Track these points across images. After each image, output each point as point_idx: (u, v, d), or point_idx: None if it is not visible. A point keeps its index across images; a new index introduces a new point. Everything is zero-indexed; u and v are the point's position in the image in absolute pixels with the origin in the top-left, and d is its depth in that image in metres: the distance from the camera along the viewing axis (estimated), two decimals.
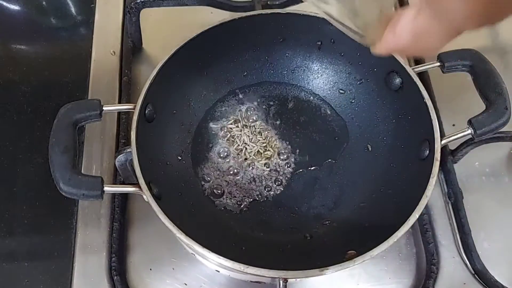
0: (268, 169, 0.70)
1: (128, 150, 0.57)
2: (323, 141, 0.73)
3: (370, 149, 0.70)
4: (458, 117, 0.74)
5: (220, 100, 0.74)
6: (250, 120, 0.74)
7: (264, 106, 0.75)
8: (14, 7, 0.89)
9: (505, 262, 0.66)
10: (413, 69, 0.65)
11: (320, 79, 0.75)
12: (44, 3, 0.90)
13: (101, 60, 0.80)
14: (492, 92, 0.61)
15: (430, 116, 0.61)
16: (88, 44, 0.81)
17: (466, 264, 0.65)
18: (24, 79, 0.80)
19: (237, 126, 0.73)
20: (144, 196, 0.55)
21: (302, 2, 0.78)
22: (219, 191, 0.68)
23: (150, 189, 0.56)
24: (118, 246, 0.64)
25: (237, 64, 0.74)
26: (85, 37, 0.83)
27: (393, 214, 0.58)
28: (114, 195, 0.68)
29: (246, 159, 0.70)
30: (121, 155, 0.59)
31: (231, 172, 0.70)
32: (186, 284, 0.64)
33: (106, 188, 0.55)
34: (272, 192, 0.68)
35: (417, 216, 0.54)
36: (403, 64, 0.65)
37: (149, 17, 0.82)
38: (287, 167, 0.70)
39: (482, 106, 0.61)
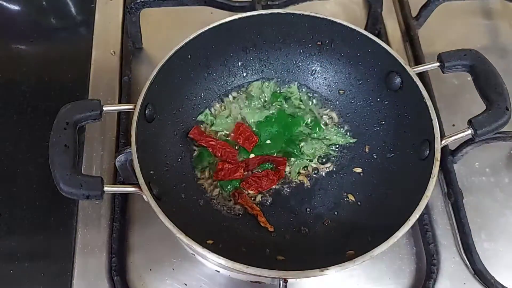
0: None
1: (128, 150, 0.57)
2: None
3: (370, 149, 0.70)
4: (458, 117, 0.74)
5: (221, 100, 0.74)
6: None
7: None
8: (14, 7, 0.89)
9: (505, 262, 0.66)
10: (413, 69, 0.65)
11: (320, 79, 0.75)
12: (44, 3, 0.90)
13: (101, 60, 0.80)
14: (492, 92, 0.61)
15: (430, 116, 0.61)
16: (88, 44, 0.82)
17: (466, 264, 0.65)
18: (24, 79, 0.80)
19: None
20: (144, 196, 0.55)
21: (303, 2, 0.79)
22: (219, 192, 0.68)
23: (150, 189, 0.56)
24: (118, 246, 0.64)
25: (237, 64, 0.74)
26: (85, 37, 0.83)
27: (393, 214, 0.58)
28: (114, 195, 0.68)
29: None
30: (121, 155, 0.59)
31: None
32: (186, 284, 0.64)
33: (106, 188, 0.55)
34: (272, 193, 0.68)
35: (417, 216, 0.54)
36: (403, 64, 0.65)
37: (149, 17, 0.82)
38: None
39: (482, 106, 0.61)
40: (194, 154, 0.70)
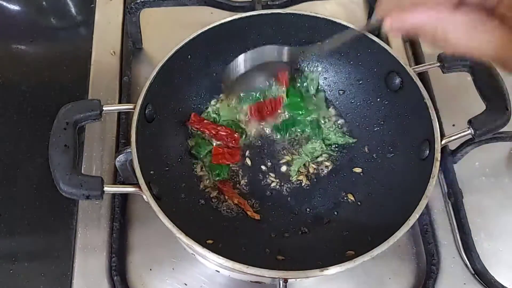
0: (269, 169, 0.70)
1: (128, 150, 0.57)
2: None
3: (370, 149, 0.70)
4: (458, 117, 0.74)
5: (221, 100, 0.74)
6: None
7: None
8: (14, 7, 0.89)
9: (505, 262, 0.66)
10: (413, 69, 0.65)
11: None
12: (44, 3, 0.90)
13: (101, 60, 0.80)
14: (492, 92, 0.61)
15: (430, 116, 0.61)
16: (88, 44, 0.82)
17: (466, 264, 0.65)
18: (24, 79, 0.80)
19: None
20: (144, 196, 0.55)
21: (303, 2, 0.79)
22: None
23: (150, 189, 0.56)
24: (118, 246, 0.64)
25: None
26: (85, 37, 0.83)
27: (393, 214, 0.58)
28: (114, 195, 0.68)
29: (246, 160, 0.70)
30: (121, 155, 0.59)
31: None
32: (186, 284, 0.64)
33: (106, 188, 0.55)
34: (272, 193, 0.68)
35: (417, 216, 0.54)
36: (403, 64, 0.65)
37: (149, 17, 0.83)
38: (287, 168, 0.70)
39: (482, 106, 0.61)
40: (191, 144, 0.70)
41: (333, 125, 0.73)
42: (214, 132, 0.70)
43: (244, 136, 0.71)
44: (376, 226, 0.60)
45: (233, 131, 0.71)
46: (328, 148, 0.71)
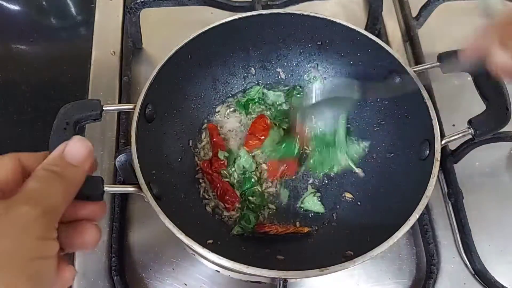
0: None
1: (128, 150, 0.57)
2: None
3: (370, 149, 0.70)
4: (458, 117, 0.74)
5: (220, 100, 0.75)
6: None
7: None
8: (14, 7, 0.89)
9: (505, 262, 0.66)
10: (413, 69, 0.64)
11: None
12: (44, 3, 0.90)
13: (101, 60, 0.80)
14: (492, 92, 0.61)
15: (430, 116, 0.61)
16: (88, 44, 0.82)
17: (466, 264, 0.65)
18: (24, 79, 0.80)
19: (238, 127, 0.73)
20: (144, 196, 0.55)
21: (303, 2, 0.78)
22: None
23: (150, 189, 0.55)
24: (118, 246, 0.64)
25: (237, 64, 0.74)
26: (85, 37, 0.83)
27: (393, 214, 0.58)
28: (114, 195, 0.68)
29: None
30: (121, 155, 0.59)
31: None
32: (186, 284, 0.64)
33: (106, 188, 0.54)
34: (272, 192, 0.68)
35: (417, 216, 0.54)
36: (403, 64, 0.65)
37: (149, 17, 0.82)
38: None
39: (482, 106, 0.61)
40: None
41: (350, 139, 0.72)
42: (215, 186, 0.68)
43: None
44: (376, 226, 0.60)
45: (235, 194, 0.68)
46: (354, 159, 0.70)
